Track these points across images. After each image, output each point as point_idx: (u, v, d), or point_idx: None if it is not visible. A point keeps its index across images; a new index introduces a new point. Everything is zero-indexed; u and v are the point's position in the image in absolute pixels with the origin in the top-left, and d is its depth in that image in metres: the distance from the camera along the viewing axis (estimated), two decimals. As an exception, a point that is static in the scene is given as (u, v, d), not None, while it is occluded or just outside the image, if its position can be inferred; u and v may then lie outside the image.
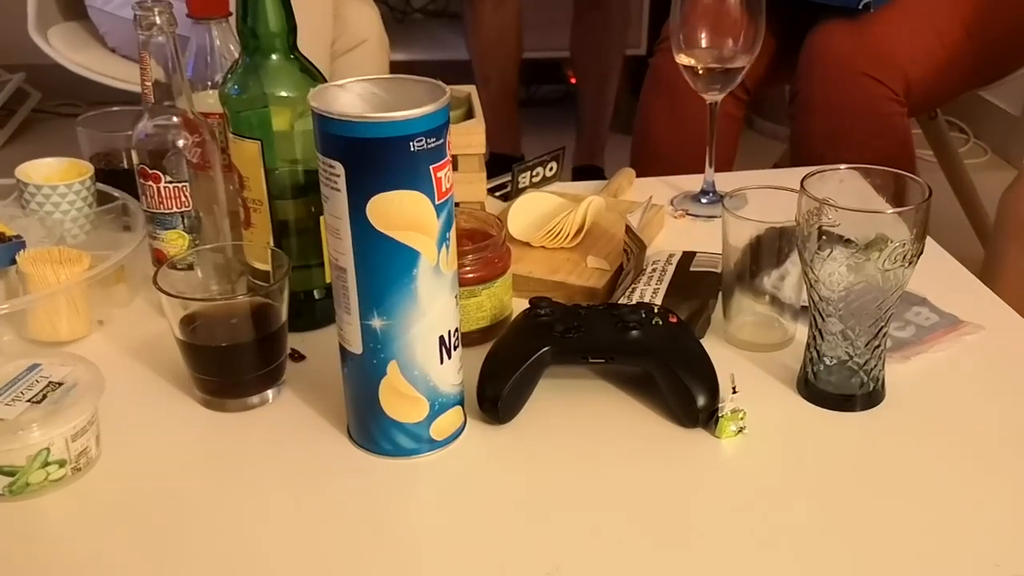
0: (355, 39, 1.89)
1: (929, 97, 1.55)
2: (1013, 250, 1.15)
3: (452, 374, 0.73)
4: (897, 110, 1.42)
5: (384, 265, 0.67)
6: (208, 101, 0.92)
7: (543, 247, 0.99)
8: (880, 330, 0.75)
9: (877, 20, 1.41)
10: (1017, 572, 0.63)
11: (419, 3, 3.08)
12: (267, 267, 0.84)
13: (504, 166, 1.15)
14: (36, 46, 1.94)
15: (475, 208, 0.97)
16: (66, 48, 1.95)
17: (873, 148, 1.40)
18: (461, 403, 0.75)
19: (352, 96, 0.68)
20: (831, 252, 0.72)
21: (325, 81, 0.74)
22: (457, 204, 0.88)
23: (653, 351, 0.77)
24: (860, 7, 1.39)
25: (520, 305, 0.83)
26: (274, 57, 0.81)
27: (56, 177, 0.97)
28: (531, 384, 0.78)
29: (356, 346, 0.70)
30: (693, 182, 1.15)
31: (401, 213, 0.66)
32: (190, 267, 0.84)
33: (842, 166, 0.77)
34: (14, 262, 0.87)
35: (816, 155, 1.37)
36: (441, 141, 0.66)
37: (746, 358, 0.84)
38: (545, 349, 0.77)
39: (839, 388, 0.77)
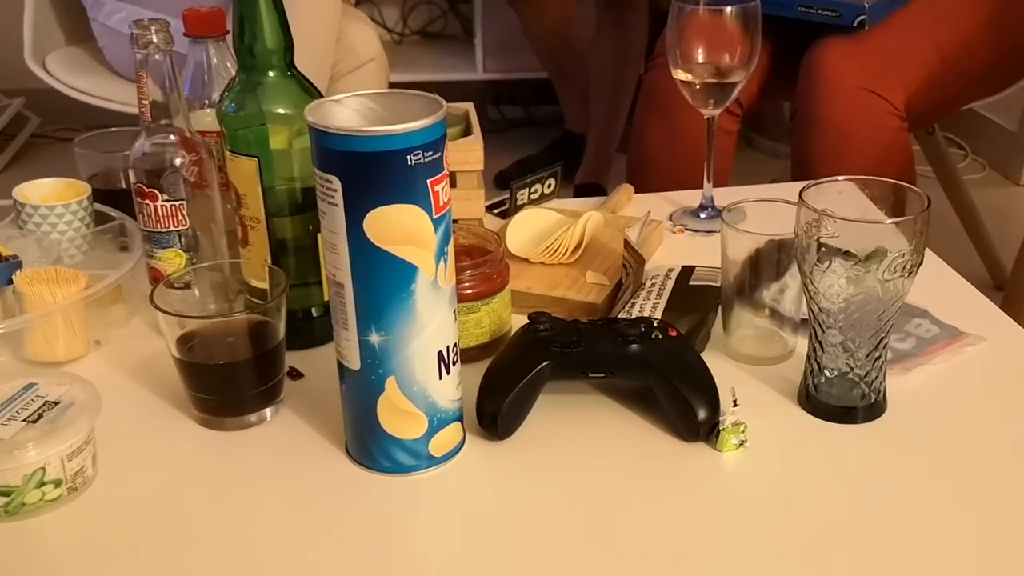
0: (356, 60, 1.90)
1: (929, 111, 1.55)
2: None
3: (451, 390, 0.72)
4: (898, 125, 1.42)
5: (382, 280, 0.67)
6: (205, 119, 0.92)
7: (542, 263, 0.99)
8: (880, 341, 0.75)
9: (876, 35, 1.41)
10: (1023, 584, 0.63)
11: (417, 25, 3.10)
12: (265, 285, 0.84)
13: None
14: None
15: (473, 225, 0.97)
16: (65, 73, 1.96)
17: (875, 163, 1.40)
18: (460, 419, 0.74)
19: (348, 111, 0.68)
20: (830, 264, 0.72)
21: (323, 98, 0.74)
22: (455, 221, 0.88)
23: (653, 365, 0.76)
24: (855, 24, 1.40)
25: (519, 321, 0.83)
26: (271, 74, 0.81)
27: (53, 197, 0.97)
28: (531, 399, 0.77)
29: (354, 362, 0.70)
30: (691, 197, 1.15)
31: (399, 227, 0.65)
32: (187, 286, 0.84)
33: (840, 178, 0.77)
34: (11, 282, 0.86)
35: (817, 171, 1.37)
36: (438, 155, 0.66)
37: (746, 371, 0.84)
38: (544, 364, 0.77)
39: (840, 400, 0.77)
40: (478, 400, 0.76)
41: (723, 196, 1.13)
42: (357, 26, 1.93)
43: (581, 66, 2.51)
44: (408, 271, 0.67)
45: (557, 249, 0.99)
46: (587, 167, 2.51)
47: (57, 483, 0.69)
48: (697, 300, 0.89)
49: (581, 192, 2.42)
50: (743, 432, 0.74)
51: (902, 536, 0.67)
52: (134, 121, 0.87)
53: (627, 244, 0.94)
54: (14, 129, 2.87)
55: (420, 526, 0.70)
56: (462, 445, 0.75)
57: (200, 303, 0.85)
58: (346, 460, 0.75)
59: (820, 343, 0.76)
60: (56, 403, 0.72)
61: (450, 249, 0.69)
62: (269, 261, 0.85)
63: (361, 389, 0.71)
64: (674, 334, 0.79)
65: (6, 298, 0.88)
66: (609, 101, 2.46)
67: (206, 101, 0.94)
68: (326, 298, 0.78)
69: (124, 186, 1.04)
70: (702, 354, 0.81)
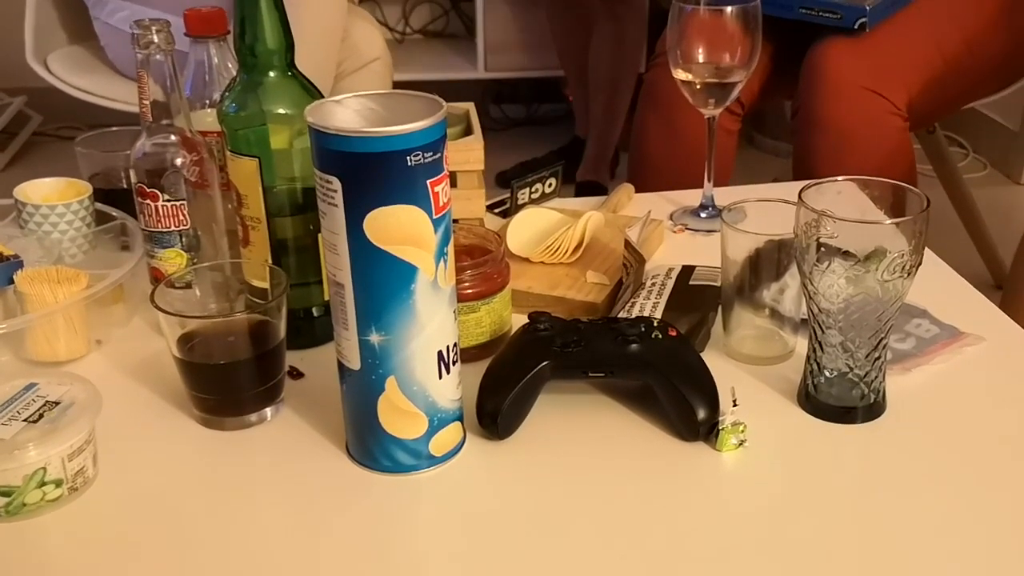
0: (361, 60, 1.90)
1: (931, 111, 1.55)
2: None
3: (451, 389, 0.72)
4: (900, 124, 1.42)
5: (382, 280, 0.67)
6: (206, 119, 0.92)
7: (542, 263, 0.99)
8: (880, 341, 0.75)
9: (878, 34, 1.41)
10: (1022, 584, 0.63)
11: (418, 24, 3.10)
12: (265, 285, 0.84)
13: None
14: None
15: (474, 224, 0.97)
16: (66, 72, 1.96)
17: (876, 163, 1.40)
18: (460, 419, 0.74)
19: (349, 111, 0.68)
20: (830, 264, 0.72)
21: (323, 98, 0.75)
22: (456, 221, 0.88)
23: (653, 365, 0.76)
24: (855, 26, 1.40)
25: (519, 321, 0.83)
26: (272, 74, 0.81)
27: (54, 197, 0.97)
28: (531, 399, 0.77)
29: (354, 362, 0.70)
30: (692, 197, 1.15)
31: (398, 228, 0.65)
32: (188, 285, 0.84)
33: (840, 178, 0.77)
34: (12, 282, 0.87)
35: (818, 171, 1.37)
36: (438, 155, 0.66)
37: (746, 371, 0.84)
38: (544, 364, 0.77)
39: (840, 400, 0.77)
40: (478, 400, 0.76)
41: (724, 195, 1.13)
42: (362, 25, 1.93)
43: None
44: (408, 271, 0.67)
45: (558, 249, 0.99)
46: (587, 164, 2.51)
47: (58, 483, 0.69)
48: (697, 300, 0.89)
49: (582, 190, 2.42)
50: (743, 432, 0.74)
51: (902, 536, 0.67)
52: (135, 120, 0.87)
53: (627, 244, 0.94)
54: (15, 128, 2.87)
55: (420, 526, 0.70)
56: (462, 445, 0.75)
57: (201, 303, 0.85)
58: (346, 460, 0.75)
59: (820, 343, 0.76)
60: (57, 403, 0.72)
61: (450, 249, 0.69)
62: (270, 261, 0.85)
63: (361, 389, 0.71)
64: (674, 334, 0.79)
65: (7, 298, 0.88)
66: (606, 96, 2.46)
67: (207, 101, 0.94)
68: (326, 298, 0.78)
69: (125, 186, 1.05)
70: (702, 354, 0.81)
